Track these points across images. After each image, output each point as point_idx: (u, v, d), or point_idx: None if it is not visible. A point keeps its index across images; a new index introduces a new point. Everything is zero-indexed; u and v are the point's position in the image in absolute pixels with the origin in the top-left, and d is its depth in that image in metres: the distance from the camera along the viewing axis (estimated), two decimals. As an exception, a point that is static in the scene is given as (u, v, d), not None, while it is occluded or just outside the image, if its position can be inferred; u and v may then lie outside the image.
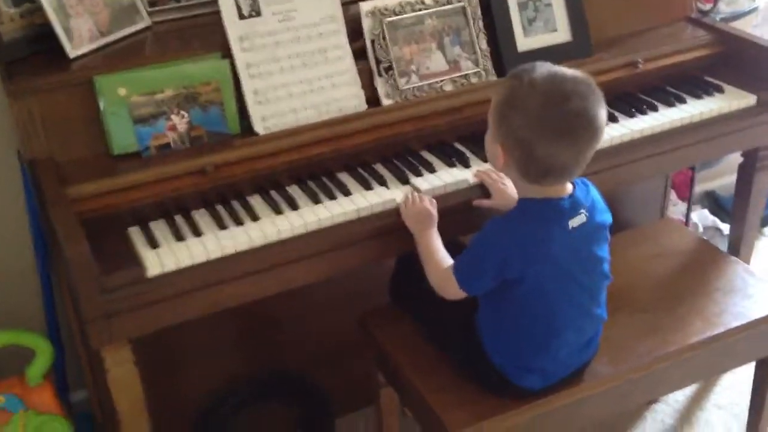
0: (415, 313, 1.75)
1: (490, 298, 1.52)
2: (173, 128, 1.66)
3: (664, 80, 2.04)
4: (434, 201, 1.63)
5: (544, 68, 1.42)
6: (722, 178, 2.98)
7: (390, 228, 1.62)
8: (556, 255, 1.43)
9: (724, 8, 2.42)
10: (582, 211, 1.45)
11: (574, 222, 1.44)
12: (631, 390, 1.65)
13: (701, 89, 2.02)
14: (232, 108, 1.70)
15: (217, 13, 1.73)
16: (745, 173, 2.15)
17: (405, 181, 1.71)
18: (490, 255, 1.45)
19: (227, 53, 1.70)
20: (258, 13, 1.72)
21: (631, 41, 2.10)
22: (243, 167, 1.67)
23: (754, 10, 2.50)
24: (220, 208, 1.64)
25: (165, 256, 1.50)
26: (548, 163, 1.40)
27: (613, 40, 2.06)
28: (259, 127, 1.71)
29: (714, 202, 3.01)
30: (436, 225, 1.60)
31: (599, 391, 1.60)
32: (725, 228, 2.77)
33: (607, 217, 1.51)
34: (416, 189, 1.67)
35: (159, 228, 1.58)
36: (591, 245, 1.49)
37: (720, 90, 2.02)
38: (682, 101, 1.97)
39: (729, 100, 1.98)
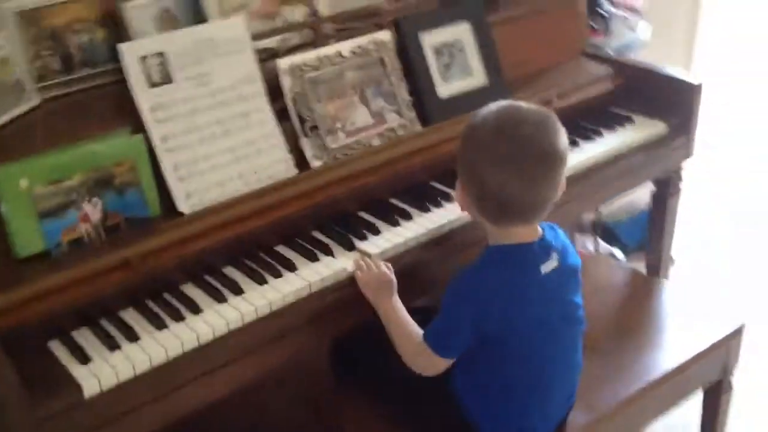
0: (377, 391, 1.62)
1: (472, 362, 1.42)
2: (86, 219, 1.45)
3: (578, 116, 2.04)
4: (389, 265, 1.52)
5: (501, 103, 1.40)
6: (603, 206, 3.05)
7: (347, 299, 1.49)
8: (532, 302, 1.37)
9: (611, 42, 2.49)
10: (553, 254, 1.40)
11: (546, 267, 1.38)
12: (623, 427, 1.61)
13: (614, 121, 2.04)
14: (150, 188, 1.51)
15: (120, 83, 1.55)
16: (660, 199, 2.19)
17: (350, 247, 1.58)
18: (465, 310, 1.36)
19: (137, 127, 1.52)
20: (170, 80, 1.55)
21: (539, 80, 2.09)
22: (171, 254, 1.48)
23: (640, 42, 2.59)
24: (152, 304, 1.44)
25: (101, 370, 1.29)
26: (501, 196, 1.33)
27: (521, 80, 2.05)
28: (184, 206, 1.53)
29: (604, 231, 3.07)
30: (396, 291, 1.49)
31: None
32: (620, 254, 2.85)
33: (577, 261, 1.46)
34: (366, 254, 1.55)
35: (85, 338, 1.36)
36: (566, 291, 1.43)
37: (630, 120, 2.06)
38: (600, 135, 1.99)
39: (642, 130, 2.02)
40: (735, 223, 3.17)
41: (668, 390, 1.70)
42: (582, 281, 1.68)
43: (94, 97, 1.62)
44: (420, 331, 1.44)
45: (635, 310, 1.88)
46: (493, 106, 1.39)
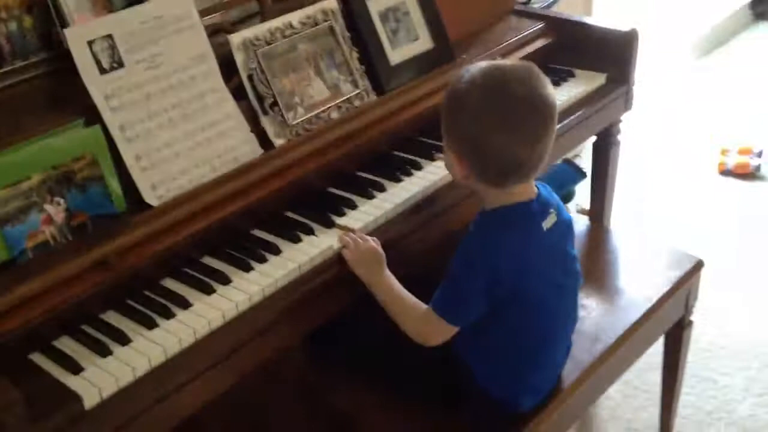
0: (366, 366, 1.63)
1: (478, 324, 1.44)
2: (49, 221, 1.38)
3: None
4: (375, 239, 1.52)
5: (481, 64, 1.40)
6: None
7: (337, 279, 1.49)
8: (539, 259, 1.41)
9: (535, -1, 2.56)
10: (551, 210, 1.44)
11: (547, 223, 1.42)
12: (606, 377, 1.69)
13: (557, 76, 2.11)
14: (114, 182, 1.45)
15: (59, 72, 1.49)
16: (602, 150, 2.29)
17: (330, 224, 1.58)
18: (478, 274, 1.37)
19: (90, 117, 1.46)
20: (120, 64, 1.49)
21: (478, 40, 2.14)
22: (145, 249, 1.43)
23: (559, -5, 2.69)
24: (134, 304, 1.39)
25: (98, 378, 1.24)
26: (503, 158, 1.35)
27: (460, 42, 2.08)
28: (152, 198, 1.48)
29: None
30: (386, 265, 1.50)
31: (580, 391, 1.61)
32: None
33: (569, 215, 1.52)
34: (349, 229, 1.55)
35: (69, 346, 1.31)
36: (565, 245, 1.48)
37: (572, 75, 2.14)
38: (547, 90, 2.05)
39: (585, 83, 2.10)
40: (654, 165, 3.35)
41: (643, 333, 1.78)
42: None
43: (32, 89, 1.54)
44: (420, 302, 1.46)
45: (598, 259, 1.96)
46: (473, 71, 1.38)
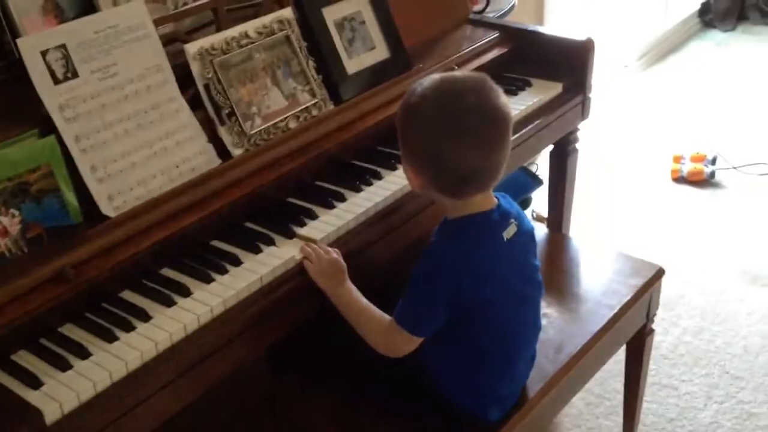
0: (332, 381, 1.66)
1: (441, 334, 1.49)
2: (4, 233, 1.40)
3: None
4: (337, 250, 1.56)
5: (433, 77, 1.44)
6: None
7: (300, 290, 1.53)
8: (500, 269, 1.46)
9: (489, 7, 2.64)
10: (512, 220, 1.49)
11: (508, 233, 1.47)
12: (570, 386, 1.75)
13: (513, 85, 2.18)
14: (70, 193, 1.47)
15: (12, 80, 1.50)
16: (559, 158, 2.37)
17: (290, 235, 1.61)
18: (438, 284, 1.42)
19: (44, 128, 1.48)
20: (75, 74, 1.51)
21: (434, 49, 2.20)
22: (102, 261, 1.44)
23: (513, 6, 2.77)
24: (93, 317, 1.41)
25: (58, 392, 1.26)
26: (459, 169, 1.39)
27: (415, 50, 2.14)
28: (108, 209, 1.50)
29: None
30: (347, 276, 1.54)
31: (545, 401, 1.66)
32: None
33: (531, 225, 1.57)
34: (310, 240, 1.59)
35: (27, 360, 1.32)
36: (527, 255, 1.54)
37: (528, 84, 2.21)
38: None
39: (541, 92, 2.17)
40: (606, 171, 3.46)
41: (606, 342, 1.84)
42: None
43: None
44: (383, 314, 1.50)
45: (558, 267, 2.03)
46: (426, 83, 1.42)
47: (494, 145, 1.40)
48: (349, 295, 1.52)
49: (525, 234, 1.52)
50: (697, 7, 4.95)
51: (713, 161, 3.43)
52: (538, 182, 2.89)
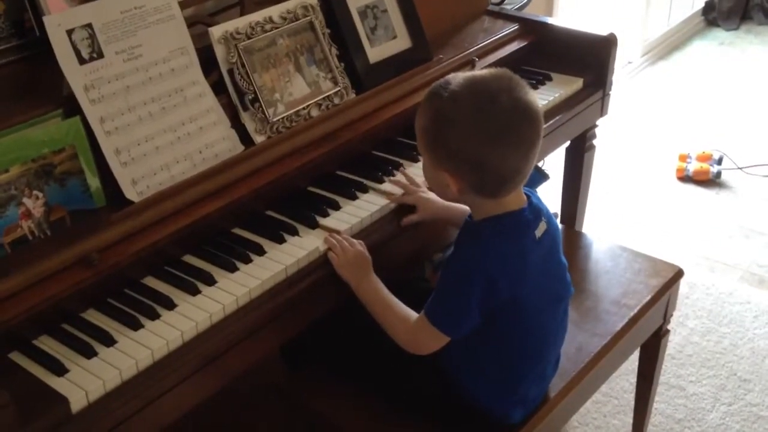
0: (348, 376, 1.66)
1: (469, 336, 1.47)
2: (27, 215, 1.38)
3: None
4: (361, 242, 1.56)
5: (457, 78, 1.41)
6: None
7: (324, 281, 1.52)
8: (533, 267, 1.45)
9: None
10: (542, 218, 1.49)
11: (539, 232, 1.47)
12: (589, 386, 1.75)
13: (533, 79, 2.17)
14: (94, 176, 1.46)
15: (30, 59, 1.49)
16: (575, 154, 2.37)
17: (314, 225, 1.61)
18: (473, 284, 1.40)
19: (69, 109, 1.46)
20: (100, 54, 1.49)
21: (454, 40, 2.20)
22: (126, 247, 1.43)
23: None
24: (116, 303, 1.40)
25: (84, 380, 1.25)
26: (503, 169, 1.38)
27: (435, 41, 2.13)
28: (132, 194, 1.49)
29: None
30: (372, 269, 1.53)
31: (565, 401, 1.67)
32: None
33: (556, 221, 1.57)
34: (335, 231, 1.58)
35: (50, 346, 1.31)
36: (556, 253, 1.53)
37: (549, 78, 2.20)
38: (525, 93, 2.11)
39: (562, 87, 2.17)
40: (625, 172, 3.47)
41: (625, 342, 1.84)
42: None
43: (2, 78, 1.54)
44: (409, 310, 1.49)
45: (575, 265, 2.03)
46: (453, 86, 1.38)
47: (533, 142, 1.39)
48: (374, 288, 1.51)
49: (553, 231, 1.52)
50: (701, 5, 4.97)
51: (719, 161, 3.45)
52: (544, 177, 2.88)
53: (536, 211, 1.48)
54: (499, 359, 1.51)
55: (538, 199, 1.52)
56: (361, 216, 1.63)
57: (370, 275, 1.52)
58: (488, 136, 1.36)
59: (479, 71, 1.45)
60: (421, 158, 1.74)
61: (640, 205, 3.29)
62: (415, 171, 1.77)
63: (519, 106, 1.37)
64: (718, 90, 4.18)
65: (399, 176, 1.73)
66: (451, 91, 1.39)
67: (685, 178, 3.45)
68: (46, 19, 1.44)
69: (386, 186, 1.72)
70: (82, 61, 1.47)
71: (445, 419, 1.57)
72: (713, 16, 4.97)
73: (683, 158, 3.49)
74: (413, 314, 1.48)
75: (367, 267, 1.52)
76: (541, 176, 2.88)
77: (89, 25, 1.48)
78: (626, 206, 3.27)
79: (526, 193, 1.49)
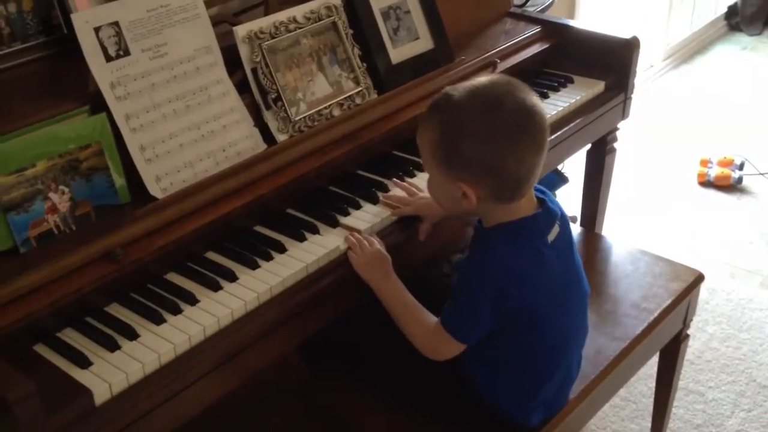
0: (368, 376, 1.67)
1: (487, 340, 1.48)
2: (53, 210, 1.40)
3: (520, 77, 2.17)
4: (381, 241, 1.57)
5: (458, 89, 1.41)
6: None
7: (345, 279, 1.54)
8: (547, 272, 1.45)
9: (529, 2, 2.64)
10: (556, 221, 1.48)
11: (551, 235, 1.46)
12: (608, 390, 1.76)
13: (555, 82, 2.18)
14: (119, 172, 1.48)
15: (57, 56, 1.51)
16: (596, 158, 2.37)
17: (335, 224, 1.62)
18: (483, 292, 1.41)
19: (95, 105, 1.48)
20: (126, 52, 1.52)
21: (475, 41, 2.20)
22: (150, 242, 1.45)
23: (552, 1, 2.77)
24: (138, 297, 1.42)
25: (108, 373, 1.26)
26: (520, 171, 1.37)
27: (456, 42, 2.14)
28: (155, 190, 1.51)
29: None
30: (392, 269, 1.54)
31: (583, 405, 1.67)
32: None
33: (568, 219, 1.57)
34: (355, 230, 1.60)
35: (74, 339, 1.33)
36: (571, 254, 1.53)
37: (570, 80, 2.21)
38: (546, 96, 2.12)
39: (584, 89, 2.17)
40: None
41: (645, 346, 1.84)
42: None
43: (31, 74, 1.56)
44: (429, 314, 1.50)
45: (594, 267, 2.03)
46: (456, 98, 1.39)
47: (544, 139, 1.40)
48: (393, 290, 1.52)
49: (565, 232, 1.51)
50: (724, 10, 4.95)
51: (741, 166, 3.44)
52: (564, 180, 2.89)
53: (550, 214, 1.48)
54: (518, 364, 1.51)
55: (552, 199, 1.52)
56: (382, 216, 1.64)
57: (390, 276, 1.53)
58: (502, 140, 1.37)
59: (480, 79, 1.44)
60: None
61: (661, 209, 3.28)
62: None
63: (524, 106, 1.38)
64: (740, 95, 4.16)
65: (393, 190, 1.72)
66: (455, 101, 1.39)
67: (707, 183, 3.44)
68: (74, 17, 1.47)
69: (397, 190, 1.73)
70: (108, 58, 1.49)
71: (465, 422, 1.58)
72: (736, 21, 4.95)
73: (704, 163, 3.48)
74: (432, 319, 1.49)
75: (386, 266, 1.53)
76: (560, 179, 2.89)
77: (116, 23, 1.51)
78: (647, 210, 3.27)
79: (539, 197, 1.49)
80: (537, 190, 1.51)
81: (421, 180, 1.75)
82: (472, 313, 1.44)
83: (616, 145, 2.36)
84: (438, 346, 1.48)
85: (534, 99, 1.40)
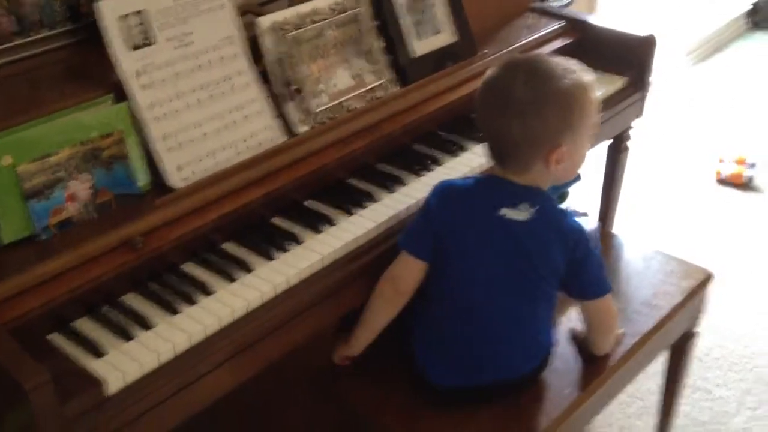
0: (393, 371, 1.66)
1: (425, 307, 1.57)
2: (74, 197, 1.37)
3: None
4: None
5: (533, 66, 1.50)
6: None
7: (358, 273, 1.51)
8: (477, 234, 1.49)
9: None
10: (523, 206, 1.49)
11: (508, 213, 1.48)
12: (614, 386, 1.73)
13: (575, 78, 2.12)
14: (139, 161, 1.45)
15: (82, 44, 1.48)
16: (615, 153, 2.32)
17: (350, 214, 1.59)
18: (425, 208, 1.53)
19: (120, 93, 1.45)
20: (152, 41, 1.48)
21: (498, 36, 2.15)
22: (171, 232, 1.42)
23: (574, -4, 2.71)
24: (155, 287, 1.39)
25: (122, 362, 1.24)
26: (490, 137, 1.52)
27: (480, 36, 2.09)
28: (176, 179, 1.48)
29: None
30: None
31: (590, 401, 1.64)
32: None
33: (570, 226, 1.55)
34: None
35: (89, 328, 1.30)
36: (525, 256, 1.49)
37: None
38: (567, 92, 2.06)
39: (606, 85, 2.12)
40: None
41: (653, 343, 1.81)
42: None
43: (57, 61, 1.53)
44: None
45: (610, 266, 1.99)
46: (540, 76, 1.46)
47: (506, 105, 1.47)
48: (354, 338, 1.61)
49: (543, 228, 1.48)
50: (747, 8, 4.84)
51: (752, 166, 3.36)
52: (577, 177, 2.83)
53: (518, 196, 1.48)
54: (431, 314, 1.57)
55: (555, 208, 1.53)
56: (398, 208, 1.60)
57: (348, 341, 1.62)
58: (482, 108, 1.52)
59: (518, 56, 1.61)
60: (460, 153, 1.73)
61: (677, 207, 3.22)
62: (454, 165, 1.75)
63: (495, 75, 1.50)
64: (759, 93, 4.07)
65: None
66: (554, 78, 1.46)
67: (723, 181, 3.37)
68: (100, 5, 1.43)
69: (425, 179, 1.69)
70: (134, 47, 1.45)
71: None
72: (757, 19, 4.84)
73: (721, 160, 3.41)
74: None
75: (341, 351, 1.64)
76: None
77: (142, 12, 1.47)
78: (664, 208, 3.21)
79: (541, 203, 1.50)
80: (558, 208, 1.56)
81: (438, 174, 1.71)
82: (417, 226, 1.53)
83: (629, 143, 2.30)
84: (392, 265, 1.53)
85: (512, 85, 1.45)
